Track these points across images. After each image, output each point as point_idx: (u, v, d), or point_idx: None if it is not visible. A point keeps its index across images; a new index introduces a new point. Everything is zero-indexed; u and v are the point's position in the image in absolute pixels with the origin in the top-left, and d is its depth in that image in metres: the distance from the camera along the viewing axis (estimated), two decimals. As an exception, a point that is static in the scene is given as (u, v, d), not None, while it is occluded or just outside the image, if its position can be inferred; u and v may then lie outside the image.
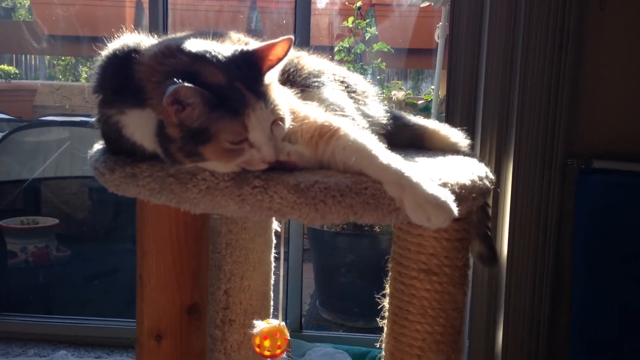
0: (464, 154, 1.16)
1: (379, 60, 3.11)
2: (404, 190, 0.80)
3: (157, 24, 2.35)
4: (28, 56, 4.69)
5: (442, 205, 0.79)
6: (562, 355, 2.23)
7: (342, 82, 1.09)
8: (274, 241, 1.30)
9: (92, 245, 3.41)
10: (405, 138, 1.18)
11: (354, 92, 1.09)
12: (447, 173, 0.91)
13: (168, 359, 0.93)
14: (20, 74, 4.67)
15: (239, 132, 0.79)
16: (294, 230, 2.51)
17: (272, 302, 1.31)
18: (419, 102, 3.25)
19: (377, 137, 1.03)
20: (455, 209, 0.80)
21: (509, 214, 2.16)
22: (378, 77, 3.19)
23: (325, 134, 0.87)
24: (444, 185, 0.86)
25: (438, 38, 2.81)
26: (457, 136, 1.20)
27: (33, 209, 3.42)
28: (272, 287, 1.30)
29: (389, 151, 0.86)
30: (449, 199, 0.80)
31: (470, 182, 0.92)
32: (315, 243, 3.37)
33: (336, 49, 3.06)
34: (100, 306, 2.84)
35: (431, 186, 0.81)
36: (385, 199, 0.82)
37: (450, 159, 1.08)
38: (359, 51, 3.04)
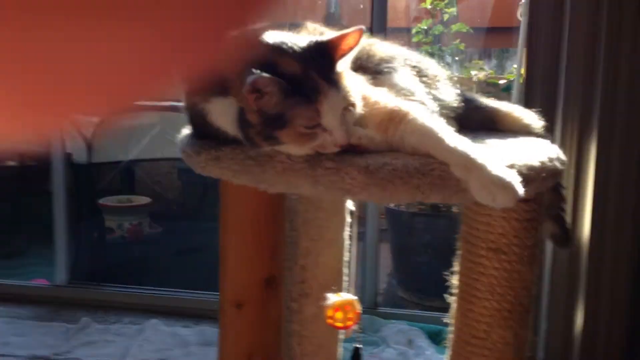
0: (537, 135, 1.17)
1: (458, 40, 3.08)
2: (470, 171, 0.84)
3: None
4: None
5: (507, 186, 0.82)
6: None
7: (413, 67, 1.12)
8: (349, 221, 1.36)
9: (182, 222, 3.59)
10: (477, 120, 1.20)
11: (426, 76, 1.12)
12: (515, 154, 0.93)
13: (247, 324, 1.01)
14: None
15: (312, 117, 0.85)
16: (371, 211, 2.56)
17: (345, 278, 1.37)
18: (501, 81, 3.19)
19: (447, 120, 1.06)
20: (521, 190, 0.83)
21: (592, 195, 2.11)
22: (457, 58, 3.15)
23: (394, 119, 0.91)
24: (511, 166, 0.88)
25: (521, 16, 2.74)
26: (531, 118, 1.20)
27: (128, 189, 3.65)
28: (345, 264, 1.36)
29: (457, 134, 0.89)
30: (515, 179, 0.83)
31: (539, 164, 0.93)
32: (393, 223, 3.40)
33: (414, 30, 3.05)
34: (189, 279, 2.99)
35: (497, 167, 0.83)
36: (451, 180, 0.85)
37: (522, 140, 1.09)
38: (437, 32, 3.01)
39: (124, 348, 2.39)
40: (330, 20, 3.84)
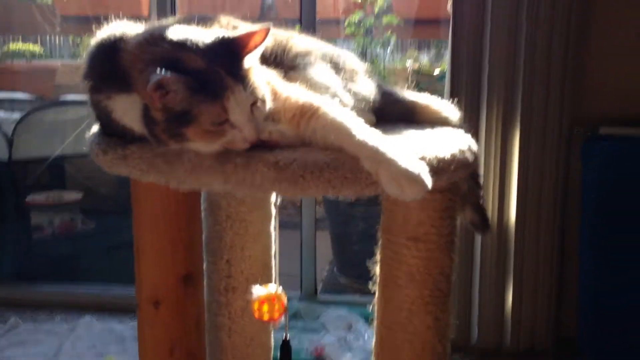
0: (454, 126, 1.19)
1: (390, 32, 3.11)
2: (380, 165, 0.84)
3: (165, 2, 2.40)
4: (51, 36, 4.77)
5: (415, 179, 0.83)
6: (572, 322, 2.27)
7: (331, 60, 1.12)
8: (274, 213, 1.36)
9: (115, 217, 3.51)
10: (397, 113, 1.21)
11: (343, 69, 1.12)
12: (427, 147, 0.95)
13: (166, 322, 1.00)
14: (46, 53, 4.75)
15: (219, 114, 0.84)
16: (307, 202, 2.57)
17: (273, 271, 1.37)
18: (435, 72, 3.25)
19: (364, 113, 1.07)
20: (429, 181, 0.84)
21: (517, 182, 2.18)
22: (390, 50, 3.19)
23: (306, 113, 0.91)
24: (422, 158, 0.89)
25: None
26: (448, 110, 1.22)
27: (58, 185, 3.54)
28: (273, 257, 1.36)
29: (367, 128, 0.89)
30: (423, 172, 0.84)
31: (450, 155, 0.95)
32: (331, 213, 3.43)
33: (346, 23, 3.06)
34: (123, 274, 2.94)
35: (405, 160, 0.84)
36: (362, 174, 0.86)
37: (438, 132, 1.11)
38: (368, 24, 3.03)
39: (56, 347, 2.34)
40: (265, 11, 3.81)
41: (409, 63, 3.16)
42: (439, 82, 3.09)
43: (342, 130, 0.88)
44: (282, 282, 2.79)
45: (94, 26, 0.97)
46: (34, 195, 3.24)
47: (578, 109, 2.11)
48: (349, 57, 1.17)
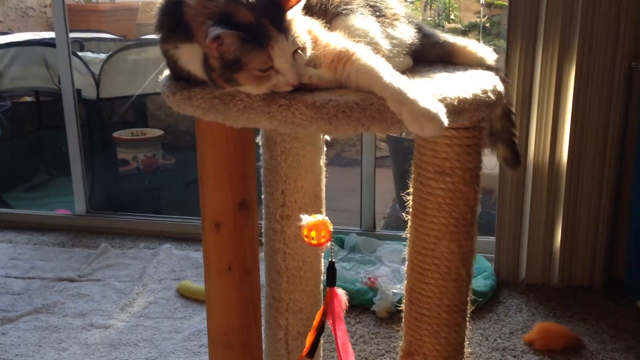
0: (488, 68, 1.27)
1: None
2: (402, 105, 0.96)
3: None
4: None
5: (433, 117, 0.94)
6: (621, 257, 2.31)
7: (372, 6, 1.22)
8: (325, 149, 1.50)
9: (193, 154, 3.74)
10: (435, 55, 1.31)
11: (384, 15, 1.22)
12: (451, 88, 1.05)
13: (225, 241, 1.18)
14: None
15: (264, 61, 0.97)
16: (367, 140, 2.69)
17: (324, 201, 1.53)
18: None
19: (400, 57, 1.18)
20: (445, 120, 0.95)
21: (570, 119, 2.21)
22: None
23: (342, 59, 1.03)
24: (443, 99, 1.00)
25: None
26: (484, 52, 1.30)
27: (141, 122, 3.80)
28: (323, 189, 1.51)
29: (395, 72, 1.01)
30: (441, 111, 0.95)
31: (471, 96, 1.05)
32: (395, 150, 3.54)
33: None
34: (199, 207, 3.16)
35: (425, 101, 0.95)
36: (388, 113, 0.98)
37: (469, 73, 1.20)
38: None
39: (140, 269, 2.62)
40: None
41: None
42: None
43: (371, 74, 1.00)
44: (343, 217, 2.97)
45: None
46: (120, 132, 3.49)
47: (637, 43, 2.09)
48: (390, 3, 1.26)
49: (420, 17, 3.77)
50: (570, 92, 2.18)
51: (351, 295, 2.25)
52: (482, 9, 3.76)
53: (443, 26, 3.83)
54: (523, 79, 2.22)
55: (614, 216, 2.30)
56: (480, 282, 2.33)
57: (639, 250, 2.18)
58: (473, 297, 2.14)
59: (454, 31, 3.58)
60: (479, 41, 1.35)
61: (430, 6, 3.93)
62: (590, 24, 2.09)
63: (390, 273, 2.44)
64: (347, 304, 1.26)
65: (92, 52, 3.52)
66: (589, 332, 2.12)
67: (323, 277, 1.55)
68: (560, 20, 2.12)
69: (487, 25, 3.73)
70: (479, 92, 1.07)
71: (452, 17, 3.90)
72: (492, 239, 2.45)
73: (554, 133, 2.23)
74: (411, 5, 3.73)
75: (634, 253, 2.20)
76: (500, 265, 2.43)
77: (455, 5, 3.91)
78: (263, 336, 1.43)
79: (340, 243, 2.72)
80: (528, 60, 2.19)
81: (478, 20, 3.75)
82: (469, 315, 1.30)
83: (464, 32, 3.55)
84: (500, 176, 2.33)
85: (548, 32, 2.14)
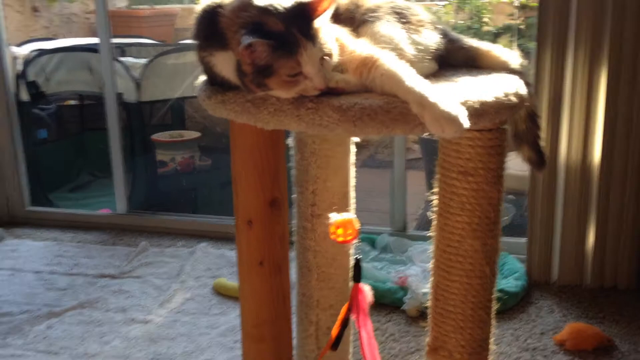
0: (512, 71, 1.30)
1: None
2: (424, 108, 1.01)
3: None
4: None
5: (453, 120, 0.99)
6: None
7: (398, 13, 1.27)
8: (354, 150, 1.55)
9: (229, 155, 3.83)
10: (460, 59, 1.34)
11: (409, 22, 1.27)
12: (473, 91, 1.09)
13: (257, 238, 1.24)
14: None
15: (293, 67, 1.03)
16: (398, 142, 2.73)
17: (352, 201, 1.58)
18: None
19: (425, 62, 1.23)
20: (466, 123, 0.99)
21: (603, 119, 2.20)
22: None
23: (367, 64, 1.08)
24: (465, 102, 1.04)
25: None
26: (508, 56, 1.33)
27: (179, 124, 3.91)
28: (351, 189, 1.56)
29: (417, 77, 1.05)
30: (461, 114, 1.00)
31: (493, 99, 1.09)
32: (426, 152, 3.57)
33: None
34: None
35: (446, 104, 1.00)
36: (410, 116, 1.03)
37: (492, 77, 1.23)
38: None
39: (178, 267, 2.71)
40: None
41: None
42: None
43: (395, 79, 1.05)
44: (375, 218, 3.00)
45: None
46: (158, 134, 3.60)
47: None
48: (416, 9, 1.31)
49: (452, 20, 3.79)
50: (601, 94, 2.18)
51: (382, 294, 2.32)
52: (516, 11, 3.76)
53: (478, 28, 3.84)
54: (555, 81, 2.23)
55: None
56: (511, 283, 2.34)
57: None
58: (504, 297, 2.19)
59: (487, 34, 3.59)
60: (512, 43, 1.39)
61: (463, 9, 3.94)
62: (621, 25, 2.09)
63: (421, 273, 2.46)
64: (372, 300, 1.30)
65: (133, 57, 3.64)
66: (620, 333, 2.12)
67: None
68: (591, 22, 2.12)
69: (522, 27, 3.73)
70: (500, 95, 1.10)
71: (485, 19, 3.91)
72: (524, 240, 2.46)
73: (585, 134, 2.23)
74: (442, 8, 3.75)
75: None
76: (532, 266, 2.44)
77: (489, 8, 3.92)
78: (294, 331, 1.48)
79: (372, 243, 2.77)
80: (559, 62, 2.20)
81: (512, 22, 3.76)
82: (494, 313, 1.33)
83: (497, 35, 3.56)
84: (531, 178, 2.34)
85: (579, 34, 2.15)
